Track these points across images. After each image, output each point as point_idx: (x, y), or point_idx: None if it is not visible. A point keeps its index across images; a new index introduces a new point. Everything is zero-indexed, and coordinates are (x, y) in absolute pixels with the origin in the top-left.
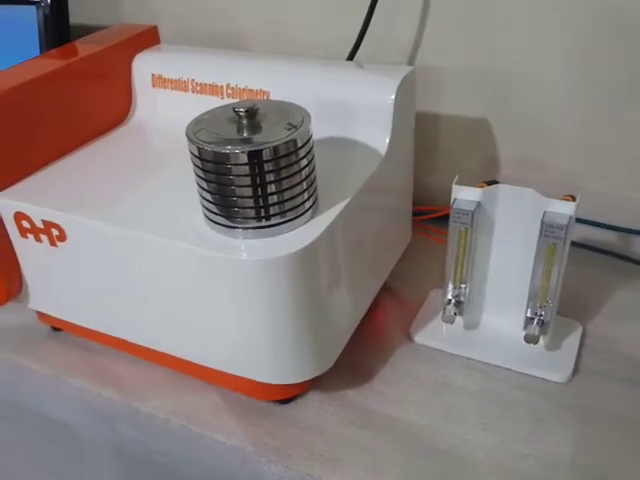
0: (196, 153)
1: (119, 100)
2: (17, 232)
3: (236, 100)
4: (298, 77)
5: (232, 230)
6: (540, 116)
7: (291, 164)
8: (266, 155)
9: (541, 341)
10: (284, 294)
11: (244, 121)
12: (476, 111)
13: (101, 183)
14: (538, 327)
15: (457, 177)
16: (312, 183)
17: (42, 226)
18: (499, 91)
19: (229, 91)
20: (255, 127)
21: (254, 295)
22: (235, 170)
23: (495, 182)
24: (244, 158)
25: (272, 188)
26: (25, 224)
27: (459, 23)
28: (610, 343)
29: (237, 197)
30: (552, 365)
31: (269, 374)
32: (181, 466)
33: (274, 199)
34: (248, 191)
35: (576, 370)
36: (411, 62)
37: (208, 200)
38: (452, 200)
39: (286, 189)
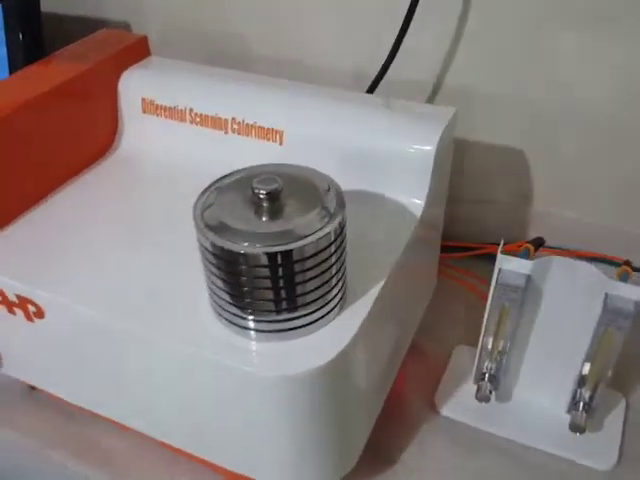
0: (206, 245)
1: (103, 126)
2: None
3: (243, 137)
4: (318, 116)
5: (245, 331)
6: (580, 153)
7: (322, 262)
8: (294, 255)
9: None
10: (304, 409)
11: (264, 204)
12: (509, 140)
13: (84, 243)
14: (584, 414)
15: (502, 242)
16: (342, 275)
17: (16, 300)
18: (538, 122)
19: (235, 126)
20: (278, 212)
21: (267, 409)
22: (253, 271)
23: (541, 241)
24: (265, 259)
25: (297, 290)
26: None
27: (501, 43)
28: None
29: (254, 299)
30: (595, 449)
31: None
32: None
33: (297, 302)
34: (268, 293)
35: (621, 455)
36: (440, 80)
37: (218, 295)
38: (497, 271)
39: (313, 290)
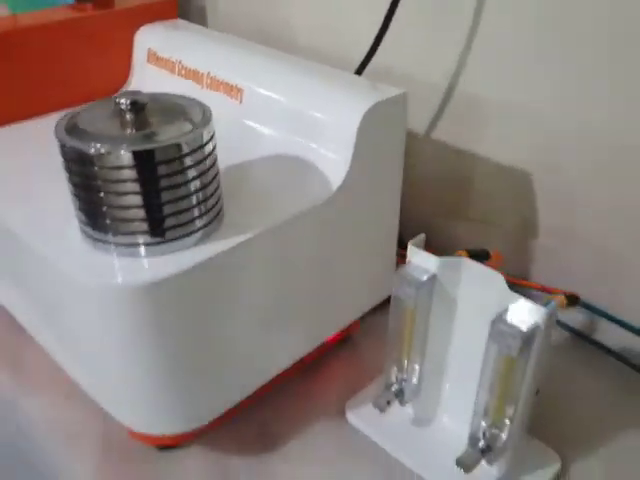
0: (60, 150)
1: (117, 69)
2: None
3: (213, 92)
4: (277, 81)
5: (104, 244)
6: (598, 184)
7: (180, 170)
8: (148, 157)
9: (494, 471)
10: (138, 329)
11: (128, 116)
12: (520, 160)
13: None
14: (477, 453)
15: (422, 235)
16: (211, 195)
17: None
18: (553, 141)
19: (208, 81)
20: (141, 124)
21: (106, 325)
22: (103, 173)
23: (484, 253)
24: (114, 160)
25: (153, 200)
26: None
27: (519, 50)
28: None
29: (106, 205)
30: None
31: (130, 419)
32: None
33: (154, 215)
34: (122, 200)
35: None
36: (452, 86)
37: (76, 205)
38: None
39: (171, 201)
